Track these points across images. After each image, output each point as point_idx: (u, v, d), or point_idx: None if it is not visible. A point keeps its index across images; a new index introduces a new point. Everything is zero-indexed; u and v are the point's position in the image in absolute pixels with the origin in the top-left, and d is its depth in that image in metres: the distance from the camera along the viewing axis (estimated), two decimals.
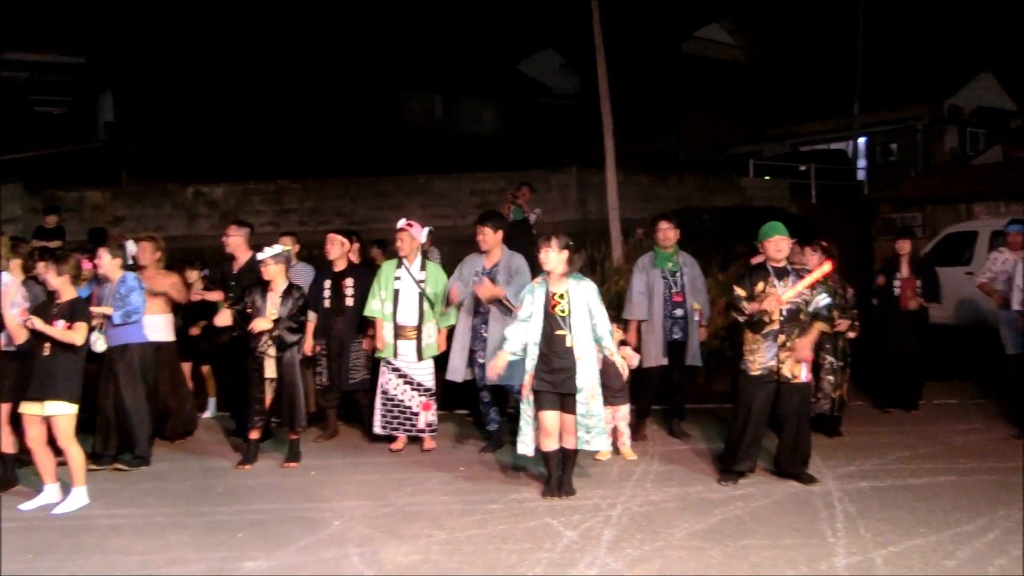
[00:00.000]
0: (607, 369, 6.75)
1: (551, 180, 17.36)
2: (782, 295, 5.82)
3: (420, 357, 7.01)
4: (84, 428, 6.20)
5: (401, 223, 7.11)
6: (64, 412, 5.59)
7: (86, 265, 6.61)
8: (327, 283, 7.47)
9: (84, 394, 5.90)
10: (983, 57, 28.56)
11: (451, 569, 4.49)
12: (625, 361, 6.71)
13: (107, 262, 6.55)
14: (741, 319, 5.93)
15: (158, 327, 7.19)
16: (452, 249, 15.12)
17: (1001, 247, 8.66)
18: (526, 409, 5.82)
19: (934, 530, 4.99)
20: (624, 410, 6.90)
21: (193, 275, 8.33)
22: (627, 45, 20.92)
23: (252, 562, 4.63)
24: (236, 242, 7.51)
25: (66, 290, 5.75)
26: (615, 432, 6.86)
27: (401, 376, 7.01)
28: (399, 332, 6.98)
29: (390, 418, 7.01)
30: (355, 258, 7.88)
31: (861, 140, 26.90)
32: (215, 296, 7.66)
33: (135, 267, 7.08)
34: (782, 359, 5.84)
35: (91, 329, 6.12)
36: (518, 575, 4.40)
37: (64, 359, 5.61)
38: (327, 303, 7.42)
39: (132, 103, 22.19)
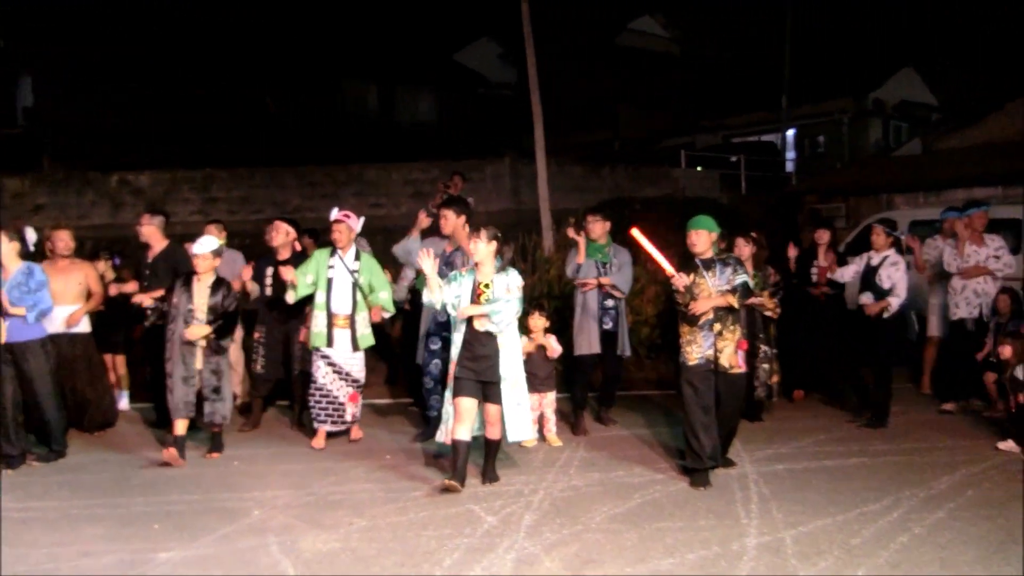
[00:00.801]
0: (533, 357, 6.83)
1: (486, 170, 17.38)
2: (713, 289, 5.91)
3: (355, 347, 6.96)
4: None
5: (336, 214, 6.99)
6: None
7: None
8: (269, 271, 7.38)
9: None
10: (906, 52, 29.44)
11: (369, 556, 4.50)
12: (549, 349, 6.83)
13: (4, 249, 6.22)
14: (686, 312, 5.93)
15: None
16: (385, 238, 15.03)
17: (937, 235, 8.96)
18: (447, 396, 5.84)
19: (842, 510, 5.16)
20: (551, 397, 6.98)
21: (102, 266, 8.13)
22: (561, 36, 21.05)
23: (166, 553, 4.56)
24: (150, 231, 7.36)
25: None
26: (541, 419, 6.93)
27: (331, 365, 6.93)
28: (332, 320, 6.91)
29: (318, 409, 6.91)
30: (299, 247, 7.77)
31: (790, 132, 27.51)
32: (131, 287, 7.49)
33: (37, 256, 6.83)
34: (720, 348, 5.89)
35: None
36: (435, 561, 4.42)
37: None
38: (268, 291, 7.34)
39: (52, 88, 21.48)
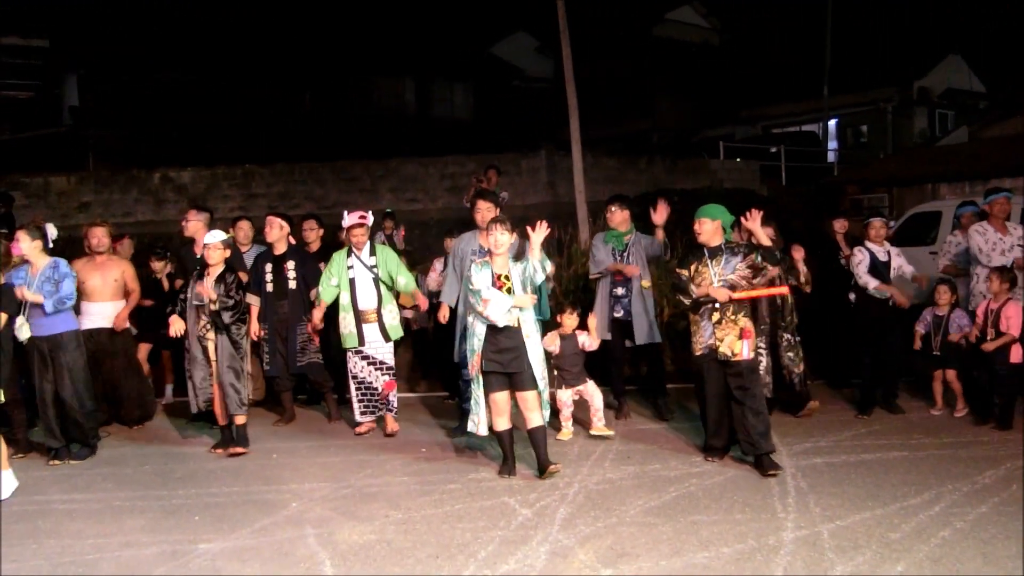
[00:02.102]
0: (564, 352, 6.83)
1: (522, 163, 17.36)
2: (715, 281, 5.90)
3: (386, 338, 7.07)
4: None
5: (355, 218, 7.01)
6: None
7: (16, 250, 6.47)
8: (268, 266, 7.44)
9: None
10: (952, 39, 28.81)
11: (405, 548, 4.53)
12: (585, 343, 6.82)
13: (26, 245, 6.34)
14: (687, 301, 5.99)
15: (110, 314, 7.16)
16: (422, 232, 15.12)
17: (956, 230, 8.76)
18: (476, 390, 5.86)
19: (882, 504, 5.07)
20: (590, 387, 6.95)
21: (159, 265, 8.26)
22: (598, 28, 20.92)
23: (206, 544, 4.65)
24: (196, 227, 7.51)
25: None
26: (587, 411, 6.92)
27: (365, 359, 7.08)
28: (361, 317, 7.01)
29: (366, 402, 7.10)
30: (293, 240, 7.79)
31: (832, 122, 27.11)
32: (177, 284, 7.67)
33: (78, 253, 6.98)
34: (719, 336, 5.89)
35: (13, 315, 6.09)
36: (469, 553, 4.45)
37: None
38: (269, 287, 7.40)
39: (97, 87, 21.89)
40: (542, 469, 5.72)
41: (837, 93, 25.01)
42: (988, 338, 6.99)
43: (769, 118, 29.18)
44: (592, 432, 6.84)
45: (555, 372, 6.86)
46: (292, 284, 7.35)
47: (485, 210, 6.81)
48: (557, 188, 17.09)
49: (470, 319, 5.90)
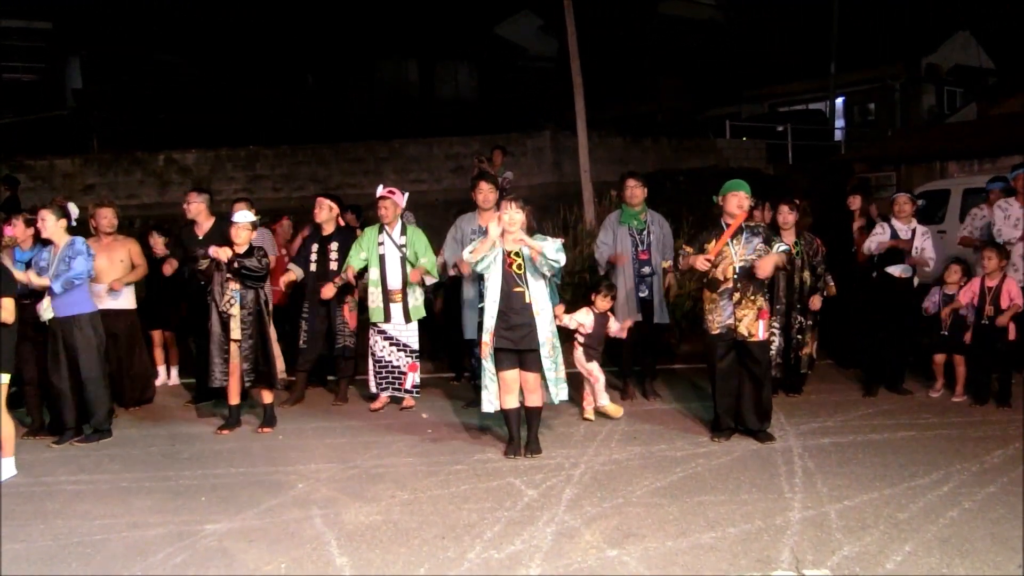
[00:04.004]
0: (594, 331, 6.80)
1: (526, 143, 17.30)
2: (721, 274, 5.91)
3: (408, 319, 7.17)
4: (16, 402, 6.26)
5: (382, 191, 7.19)
6: None
7: (7, 232, 6.44)
8: (314, 246, 7.52)
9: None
10: (960, 15, 28.48)
11: (411, 528, 4.53)
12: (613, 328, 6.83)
13: (51, 224, 6.30)
14: (676, 275, 6.06)
15: (116, 295, 7.14)
16: (427, 212, 15.08)
17: (982, 204, 8.69)
18: (487, 367, 5.84)
19: (890, 484, 5.05)
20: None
21: (160, 242, 8.24)
22: (603, 6, 20.74)
23: (213, 524, 4.65)
24: (198, 208, 7.50)
25: None
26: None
27: (387, 338, 7.19)
28: (388, 296, 7.11)
29: (379, 379, 7.22)
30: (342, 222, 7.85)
31: (839, 100, 26.88)
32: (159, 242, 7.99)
33: (86, 232, 6.96)
34: (739, 317, 5.91)
35: (28, 298, 6.09)
36: (475, 534, 4.44)
37: None
38: (313, 266, 7.45)
39: (101, 69, 21.81)
40: (529, 450, 5.75)
41: (844, 71, 24.78)
42: (985, 315, 6.97)
43: (776, 96, 28.94)
44: (596, 409, 6.83)
45: (578, 348, 6.83)
46: (334, 265, 7.38)
47: (487, 191, 6.86)
48: (562, 168, 17.04)
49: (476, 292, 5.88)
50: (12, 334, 5.63)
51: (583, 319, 6.78)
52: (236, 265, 6.38)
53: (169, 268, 7.46)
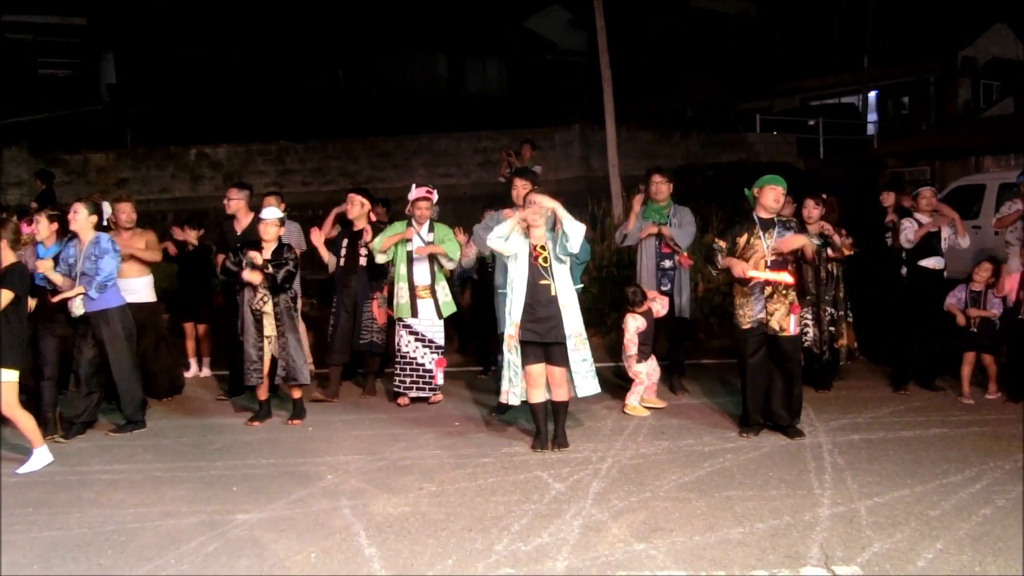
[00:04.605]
0: (646, 328, 6.82)
1: (555, 138, 17.27)
2: (752, 267, 5.88)
3: (439, 315, 7.21)
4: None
5: (419, 191, 7.18)
6: (3, 380, 5.48)
7: (25, 229, 6.51)
8: (345, 241, 7.56)
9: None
10: (997, 7, 27.95)
11: (438, 520, 4.56)
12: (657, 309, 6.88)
13: (83, 218, 6.36)
14: (714, 272, 6.05)
15: (138, 289, 7.22)
16: (456, 206, 15.12)
17: (1015, 198, 8.54)
18: (513, 360, 5.85)
19: (921, 481, 5.01)
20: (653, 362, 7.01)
21: (192, 234, 8.31)
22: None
23: (244, 514, 4.71)
24: (238, 205, 7.54)
25: (4, 255, 5.62)
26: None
27: (413, 334, 7.20)
28: (414, 292, 7.15)
29: (403, 376, 7.21)
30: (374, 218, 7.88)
31: (872, 94, 26.52)
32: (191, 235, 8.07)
33: (108, 228, 7.01)
34: (770, 311, 5.88)
35: (45, 292, 6.23)
36: (502, 526, 4.46)
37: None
38: (342, 261, 7.50)
39: (134, 65, 22.08)
40: (557, 443, 5.77)
41: (878, 65, 24.44)
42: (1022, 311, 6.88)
43: (807, 90, 28.55)
44: (645, 406, 6.83)
45: (630, 349, 6.85)
46: (363, 261, 7.42)
47: (522, 187, 6.78)
48: (591, 162, 16.99)
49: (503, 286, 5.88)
50: (23, 331, 5.67)
51: (637, 324, 6.81)
52: (269, 284, 6.49)
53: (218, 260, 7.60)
